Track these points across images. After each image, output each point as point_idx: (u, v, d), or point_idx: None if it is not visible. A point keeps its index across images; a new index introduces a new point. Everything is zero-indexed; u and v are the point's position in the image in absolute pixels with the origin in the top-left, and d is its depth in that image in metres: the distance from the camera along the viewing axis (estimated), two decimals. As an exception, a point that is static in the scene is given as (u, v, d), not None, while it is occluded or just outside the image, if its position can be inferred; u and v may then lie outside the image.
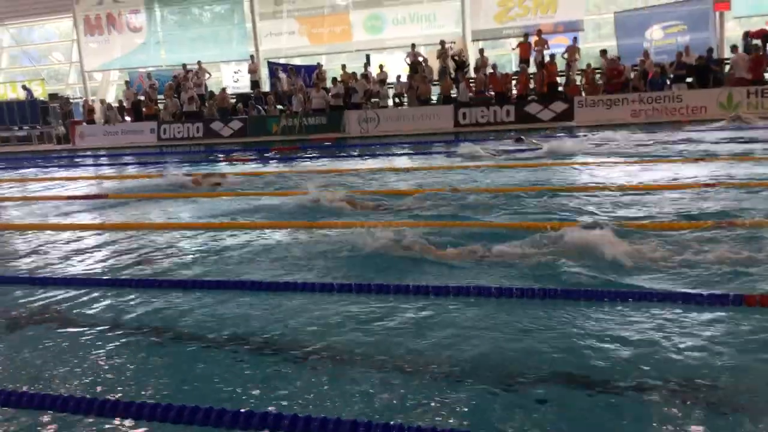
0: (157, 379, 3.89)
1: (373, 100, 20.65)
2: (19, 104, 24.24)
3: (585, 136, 14.40)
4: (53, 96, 24.85)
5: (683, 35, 20.10)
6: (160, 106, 22.91)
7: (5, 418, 3.57)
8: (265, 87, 23.34)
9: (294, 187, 10.23)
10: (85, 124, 23.29)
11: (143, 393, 3.75)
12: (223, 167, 14.33)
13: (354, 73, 21.25)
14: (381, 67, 21.56)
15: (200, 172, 11.84)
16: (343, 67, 21.71)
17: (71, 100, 25.05)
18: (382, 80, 21.14)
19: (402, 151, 14.75)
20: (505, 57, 24.27)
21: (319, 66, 22.34)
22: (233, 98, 22.79)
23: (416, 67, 20.81)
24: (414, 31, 23.73)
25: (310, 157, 14.91)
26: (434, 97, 20.57)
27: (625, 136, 13.33)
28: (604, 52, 19.57)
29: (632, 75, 18.93)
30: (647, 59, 18.82)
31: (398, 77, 21.11)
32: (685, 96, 17.35)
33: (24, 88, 25.02)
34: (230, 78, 25.76)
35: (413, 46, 21.37)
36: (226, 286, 5.25)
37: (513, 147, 12.88)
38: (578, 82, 19.21)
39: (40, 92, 25.23)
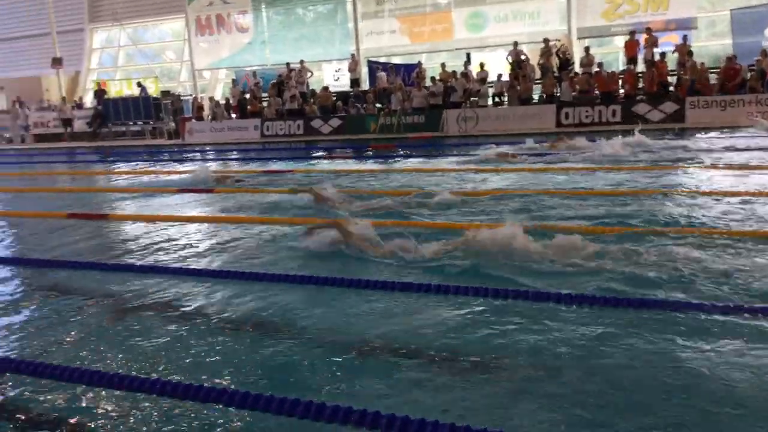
0: (260, 370, 3.95)
1: (472, 99, 20.43)
2: (134, 101, 25.56)
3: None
4: (165, 93, 26.06)
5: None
6: (264, 104, 23.56)
7: (121, 403, 3.72)
8: (365, 85, 23.57)
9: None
10: (194, 120, 24.28)
11: (247, 382, 3.81)
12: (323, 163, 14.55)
13: (454, 72, 21.10)
14: (482, 65, 21.30)
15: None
16: (443, 65, 21.60)
17: (182, 98, 26.19)
18: (483, 79, 20.88)
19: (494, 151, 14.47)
20: (611, 55, 23.45)
21: (419, 64, 22.32)
22: (334, 96, 23.15)
23: (518, 65, 20.43)
24: (516, 28, 23.33)
25: (405, 156, 14.92)
26: (535, 97, 20.13)
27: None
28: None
29: (749, 75, 17.83)
30: (765, 58, 17.66)
31: (499, 76, 20.79)
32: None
33: (139, 85, 26.36)
34: (331, 77, 26.18)
35: (515, 44, 20.98)
36: (339, 284, 5.29)
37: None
38: (690, 82, 18.26)
39: (153, 89, 26.51)
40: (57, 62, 28.22)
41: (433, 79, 21.33)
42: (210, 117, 24.09)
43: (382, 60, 24.13)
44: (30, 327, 5.18)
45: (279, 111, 22.80)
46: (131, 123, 25.58)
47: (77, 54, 30.85)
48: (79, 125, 25.90)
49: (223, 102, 24.46)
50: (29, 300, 5.98)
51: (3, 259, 7.33)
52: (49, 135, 26.18)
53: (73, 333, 4.95)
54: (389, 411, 2.88)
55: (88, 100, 28.58)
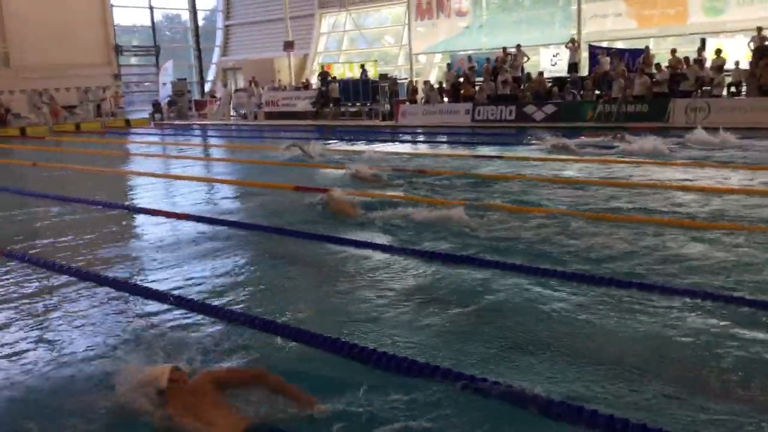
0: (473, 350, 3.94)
1: (704, 88, 18.71)
2: (354, 83, 26.77)
3: None
4: (383, 76, 26.97)
5: None
6: (476, 89, 23.49)
7: (315, 364, 3.87)
8: (584, 71, 22.56)
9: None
10: (407, 103, 24.88)
11: (464, 361, 3.80)
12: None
13: (686, 58, 19.45)
14: (718, 52, 19.37)
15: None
16: (673, 51, 19.99)
17: (398, 81, 26.95)
18: (719, 66, 18.99)
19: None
20: None
21: (646, 50, 20.86)
22: (549, 82, 22.45)
23: (761, 52, 18.31)
24: (762, 12, 20.90)
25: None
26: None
27: None
28: None
29: None
30: None
31: (737, 63, 18.81)
32: None
33: (361, 67, 27.56)
34: (548, 61, 25.39)
35: (759, 29, 18.83)
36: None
37: None
38: None
39: (372, 72, 27.56)
40: (289, 46, 30.35)
41: (658, 65, 19.84)
42: (423, 100, 24.54)
43: (604, 44, 22.93)
44: (264, 287, 5.63)
45: (491, 96, 22.61)
46: (350, 104, 26.82)
47: (306, 38, 32.96)
48: (303, 105, 27.68)
49: (436, 86, 24.79)
50: (261, 263, 6.51)
51: (238, 224, 8.01)
52: (276, 113, 28.29)
53: (300, 296, 5.27)
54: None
55: (314, 82, 30.44)
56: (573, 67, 22.56)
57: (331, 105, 26.79)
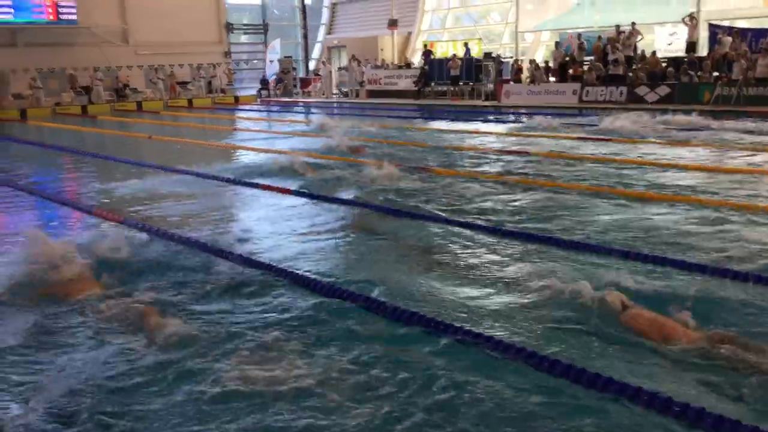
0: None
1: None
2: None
3: None
4: (487, 55, 26.47)
5: None
6: (585, 68, 22.68)
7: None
8: (703, 51, 21.30)
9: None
10: (511, 82, 24.36)
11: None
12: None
13: (817, 38, 18.01)
14: None
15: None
16: (805, 30, 18.56)
17: (502, 60, 26.39)
18: None
19: None
20: None
21: (772, 29, 19.46)
22: (664, 62, 21.36)
23: None
24: None
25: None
26: None
27: None
28: None
29: None
30: None
31: None
32: None
33: (465, 45, 27.16)
34: (663, 41, 24.14)
35: None
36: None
37: None
38: None
39: (476, 51, 27.13)
40: (393, 24, 30.32)
41: (785, 46, 18.48)
42: (528, 80, 23.95)
43: (726, 24, 21.54)
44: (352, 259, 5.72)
45: (601, 76, 21.77)
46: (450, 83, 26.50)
47: (411, 16, 32.79)
48: (405, 84, 27.62)
49: (542, 65, 24.12)
50: (348, 235, 6.64)
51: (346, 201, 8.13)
52: (378, 91, 28.39)
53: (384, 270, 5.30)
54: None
55: (416, 60, 30.28)
56: (691, 46, 21.35)
57: (432, 83, 26.61)
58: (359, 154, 11.76)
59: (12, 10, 25.99)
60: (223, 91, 31.24)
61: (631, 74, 21.15)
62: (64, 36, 27.51)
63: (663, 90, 19.85)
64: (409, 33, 32.99)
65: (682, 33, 22.26)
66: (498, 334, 3.94)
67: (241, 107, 28.66)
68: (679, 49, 22.38)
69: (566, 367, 3.42)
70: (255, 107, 28.38)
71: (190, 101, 29.29)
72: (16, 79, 26.69)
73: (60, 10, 26.89)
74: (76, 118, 24.29)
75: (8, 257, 5.84)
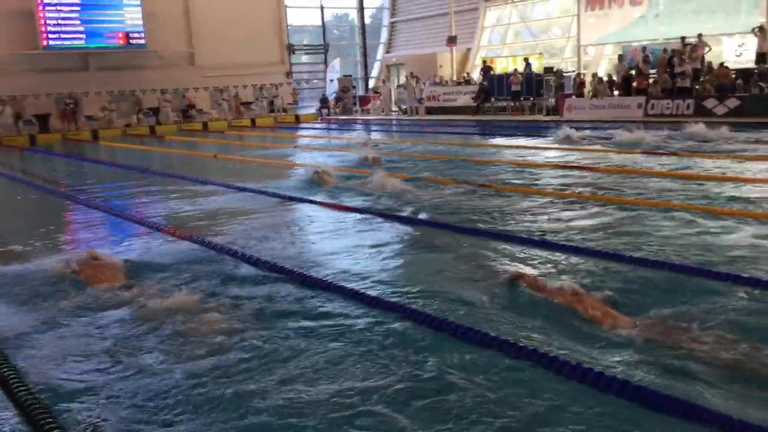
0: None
1: None
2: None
3: None
4: (548, 69, 26.19)
5: None
6: (650, 81, 22.16)
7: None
8: (774, 62, 20.54)
9: None
10: (574, 97, 24.00)
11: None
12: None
13: None
14: None
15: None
16: None
17: (564, 74, 26.05)
18: None
19: None
20: None
21: None
22: (733, 74, 20.68)
23: None
24: None
25: None
26: None
27: None
28: None
29: None
30: None
31: None
32: None
33: (525, 60, 26.94)
34: (731, 52, 23.41)
35: None
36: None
37: None
38: None
39: (536, 66, 26.86)
40: (452, 41, 30.33)
41: None
42: (591, 94, 23.55)
43: (798, 33, 20.72)
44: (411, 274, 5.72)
45: (666, 89, 21.22)
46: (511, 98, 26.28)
47: (470, 32, 32.76)
48: (464, 100, 27.55)
49: (606, 78, 23.69)
50: (409, 252, 6.62)
51: (397, 217, 8.13)
52: (437, 108, 28.39)
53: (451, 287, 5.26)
54: None
55: (475, 76, 30.18)
56: (761, 57, 20.62)
57: (492, 99, 26.45)
58: (379, 165, 12.35)
59: (84, 36, 27.25)
60: (284, 110, 31.83)
61: (698, 87, 20.56)
62: (134, 60, 28.67)
63: (732, 102, 19.20)
64: (468, 49, 32.95)
65: (751, 44, 21.54)
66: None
67: (302, 126, 29.13)
68: (749, 60, 21.65)
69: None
70: (315, 125, 28.80)
71: (253, 121, 29.96)
72: (89, 102, 27.90)
73: (130, 35, 28.04)
74: (145, 138, 25.17)
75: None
